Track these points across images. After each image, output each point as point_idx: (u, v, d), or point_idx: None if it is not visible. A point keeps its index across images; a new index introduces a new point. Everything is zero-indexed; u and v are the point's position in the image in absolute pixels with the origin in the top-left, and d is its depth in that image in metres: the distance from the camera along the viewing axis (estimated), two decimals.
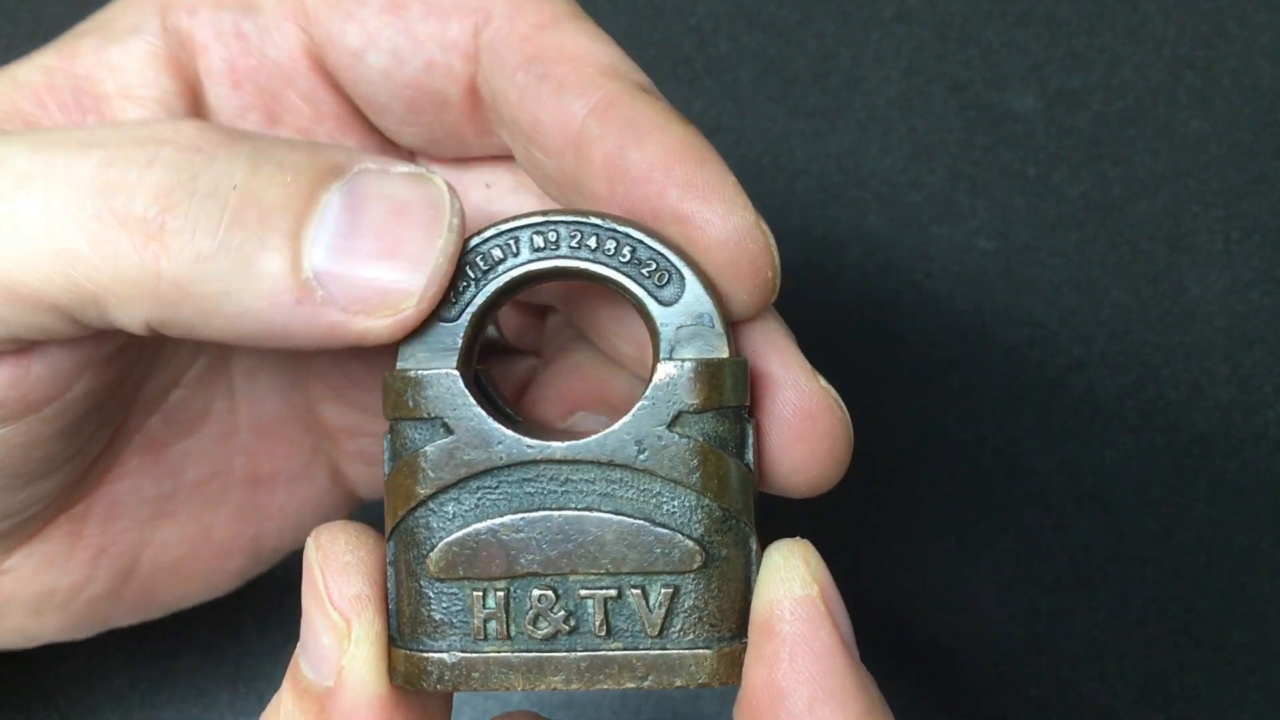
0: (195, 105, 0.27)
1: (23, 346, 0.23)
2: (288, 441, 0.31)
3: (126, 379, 0.28)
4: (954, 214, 0.42)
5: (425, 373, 0.23)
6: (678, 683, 0.23)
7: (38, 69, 0.26)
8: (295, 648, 0.24)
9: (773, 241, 0.23)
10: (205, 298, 0.21)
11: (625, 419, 0.23)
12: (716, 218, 0.23)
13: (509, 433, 0.23)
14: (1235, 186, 0.42)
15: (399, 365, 0.23)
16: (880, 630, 0.39)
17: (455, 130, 0.27)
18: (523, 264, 0.23)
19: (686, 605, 0.23)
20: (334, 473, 0.32)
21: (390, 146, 0.28)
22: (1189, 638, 0.39)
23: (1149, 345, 0.41)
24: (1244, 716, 0.39)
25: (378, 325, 0.22)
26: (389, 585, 0.24)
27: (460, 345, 0.23)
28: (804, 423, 0.24)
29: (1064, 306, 0.41)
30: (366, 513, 0.29)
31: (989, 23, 0.44)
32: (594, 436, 0.23)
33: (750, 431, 0.23)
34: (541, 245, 0.23)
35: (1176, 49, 0.43)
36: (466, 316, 0.23)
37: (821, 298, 0.42)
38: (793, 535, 0.23)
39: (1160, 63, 0.43)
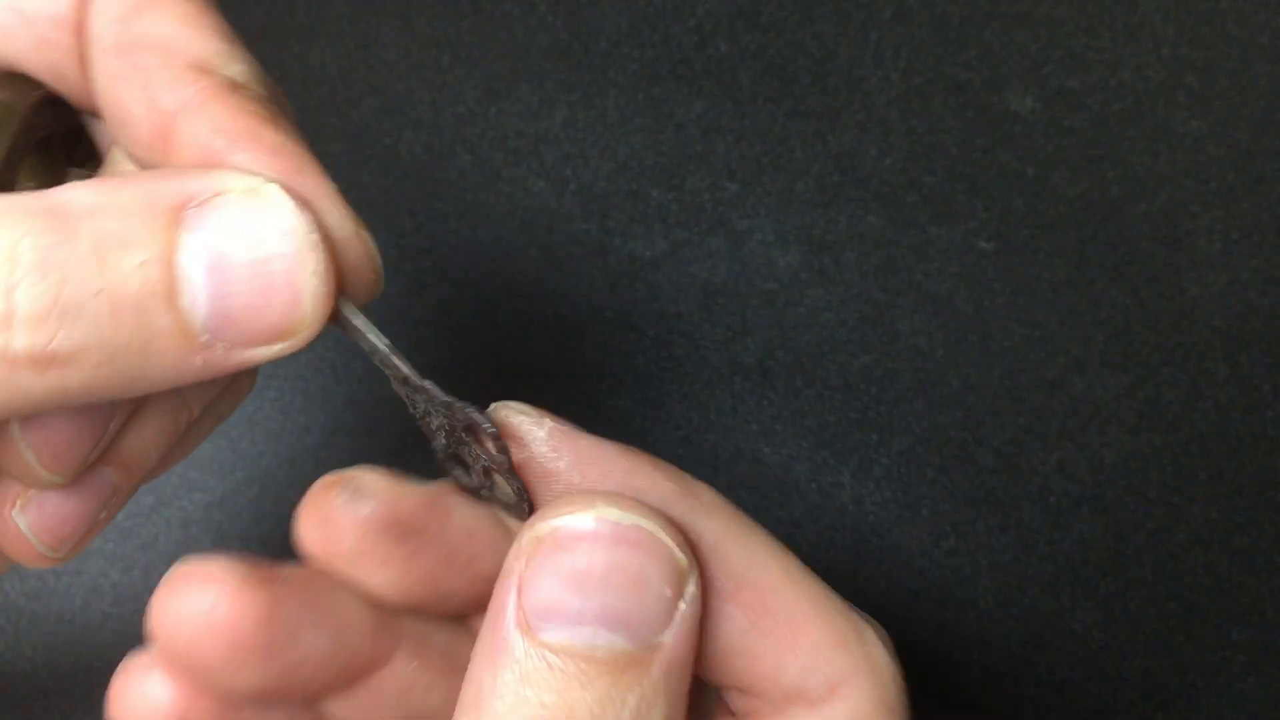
0: None
1: None
2: None
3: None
4: (953, 214, 0.42)
5: None
6: None
7: None
8: None
9: (374, 246, 0.23)
10: (123, 385, 0.22)
11: None
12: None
13: None
14: (1234, 187, 0.42)
15: None
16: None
17: (88, 101, 0.26)
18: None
19: None
20: None
21: None
22: (1188, 637, 0.39)
23: (1147, 345, 0.41)
24: (1242, 716, 0.39)
25: (275, 349, 0.23)
26: None
27: None
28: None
29: (1063, 306, 0.41)
30: None
31: (988, 23, 0.44)
32: None
33: None
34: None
35: (1175, 50, 0.43)
36: None
37: (821, 298, 0.42)
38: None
39: (1159, 63, 0.43)
